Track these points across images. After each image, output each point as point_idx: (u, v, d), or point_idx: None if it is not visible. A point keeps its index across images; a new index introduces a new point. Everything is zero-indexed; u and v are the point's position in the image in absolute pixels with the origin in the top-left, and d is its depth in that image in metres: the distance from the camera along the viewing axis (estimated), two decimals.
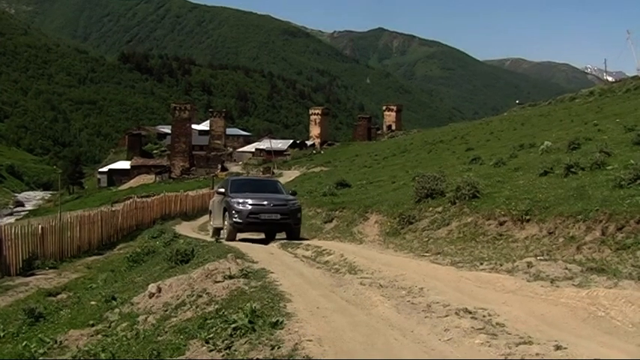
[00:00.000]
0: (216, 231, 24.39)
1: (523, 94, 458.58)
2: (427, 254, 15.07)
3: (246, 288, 9.79)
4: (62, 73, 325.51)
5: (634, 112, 39.87)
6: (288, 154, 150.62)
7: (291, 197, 23.34)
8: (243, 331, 7.37)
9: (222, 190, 23.79)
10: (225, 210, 22.52)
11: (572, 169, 18.64)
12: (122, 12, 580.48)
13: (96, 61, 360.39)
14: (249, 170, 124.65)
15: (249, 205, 21.64)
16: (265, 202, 21.88)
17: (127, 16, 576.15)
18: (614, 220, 12.46)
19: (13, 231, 24.07)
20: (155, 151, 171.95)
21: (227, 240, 21.21)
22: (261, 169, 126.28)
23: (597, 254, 11.76)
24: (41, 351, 10.56)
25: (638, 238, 11.51)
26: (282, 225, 22.26)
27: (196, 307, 9.52)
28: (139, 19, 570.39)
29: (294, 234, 22.28)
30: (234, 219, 21.60)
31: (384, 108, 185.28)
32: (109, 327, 10.70)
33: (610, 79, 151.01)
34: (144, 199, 44.29)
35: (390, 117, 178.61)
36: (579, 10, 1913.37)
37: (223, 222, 22.78)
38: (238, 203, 21.71)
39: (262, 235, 24.01)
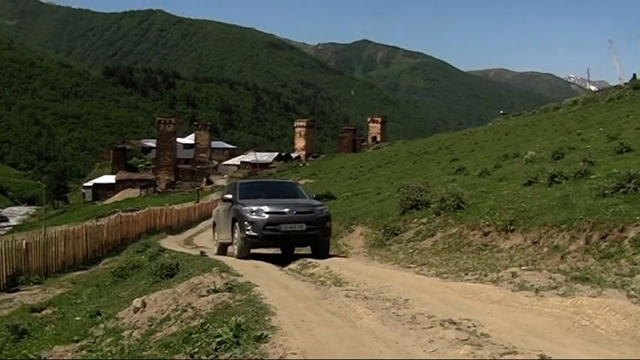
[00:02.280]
0: (223, 247, 20.98)
1: (507, 104, 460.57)
2: (412, 265, 15.07)
3: (231, 302, 9.75)
4: (46, 88, 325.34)
5: (617, 121, 40.13)
6: (274, 167, 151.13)
7: (316, 202, 19.19)
8: (227, 345, 7.33)
9: (230, 196, 19.64)
10: (234, 221, 18.43)
11: (556, 179, 18.72)
12: (106, 26, 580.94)
13: (80, 75, 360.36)
14: None
15: (266, 213, 17.55)
16: (286, 210, 17.65)
17: (111, 30, 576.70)
18: (597, 229, 12.54)
19: None
20: (140, 165, 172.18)
21: (238, 258, 17.57)
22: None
23: (581, 263, 11.82)
24: None
25: (622, 247, 11.59)
26: (307, 238, 18.02)
27: (181, 322, 9.48)
28: (122, 32, 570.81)
29: (322, 248, 18.28)
30: (247, 232, 17.53)
31: (369, 119, 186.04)
32: (94, 342, 10.62)
33: (593, 88, 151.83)
34: (129, 214, 44.23)
35: (374, 128, 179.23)
36: (562, 20, 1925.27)
37: (232, 236, 18.70)
38: (252, 212, 17.65)
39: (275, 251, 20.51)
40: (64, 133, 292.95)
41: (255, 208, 17.73)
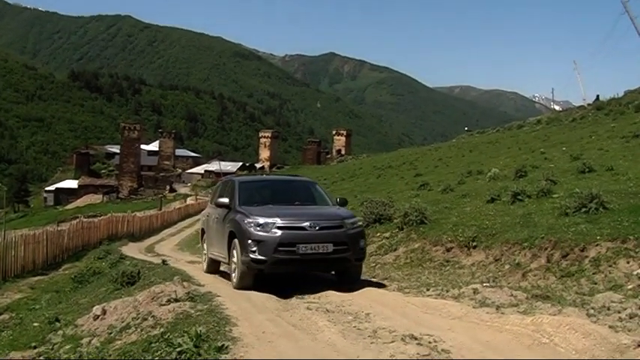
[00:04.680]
0: (215, 263, 16.52)
1: (472, 121, 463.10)
2: (374, 279, 15.06)
3: (192, 311, 9.71)
4: (10, 90, 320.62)
5: (580, 141, 40.46)
6: None
7: (345, 212, 14.33)
8: (188, 355, 7.29)
9: (225, 200, 14.72)
10: (232, 235, 13.65)
11: (519, 197, 18.83)
12: (73, 29, 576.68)
13: (45, 78, 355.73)
14: (198, 192, 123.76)
15: (278, 228, 12.74)
16: (306, 224, 12.80)
17: (78, 33, 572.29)
18: (559, 248, 12.63)
19: None
20: (103, 171, 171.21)
21: (238, 288, 13.07)
22: (210, 191, 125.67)
23: (542, 281, 11.90)
24: None
25: (582, 266, 11.69)
26: (334, 262, 13.26)
27: (141, 331, 9.42)
28: (89, 37, 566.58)
29: (352, 275, 13.81)
30: (251, 255, 12.67)
31: (334, 132, 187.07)
32: (52, 349, 10.53)
33: (557, 108, 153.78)
34: (91, 219, 43.79)
35: (339, 141, 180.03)
36: (528, 40, 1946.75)
37: (229, 256, 13.95)
38: (258, 226, 12.83)
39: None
40: (27, 136, 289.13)
41: (262, 220, 12.91)
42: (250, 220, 12.97)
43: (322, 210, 14.26)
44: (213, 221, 15.81)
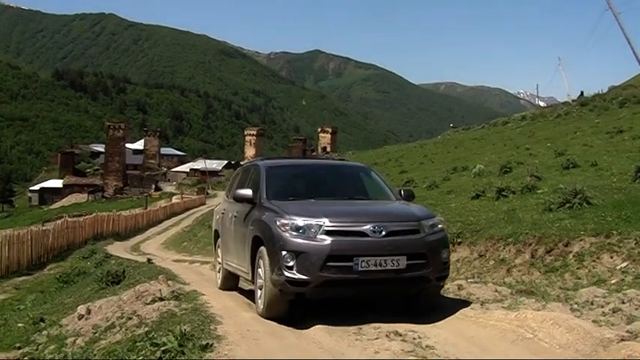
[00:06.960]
0: (232, 277, 12.14)
1: (457, 117, 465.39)
2: None
3: (177, 310, 9.67)
4: None
5: (564, 137, 40.59)
6: (223, 175, 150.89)
7: (418, 209, 9.80)
8: (172, 354, 7.25)
9: (249, 192, 10.23)
10: (257, 242, 9.41)
11: (504, 193, 18.91)
12: (57, 28, 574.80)
13: (29, 77, 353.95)
14: (183, 190, 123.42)
15: (327, 233, 8.55)
16: (368, 227, 8.57)
17: (62, 32, 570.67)
18: (543, 244, 12.66)
19: None
20: (88, 170, 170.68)
21: (266, 317, 9.13)
22: (196, 190, 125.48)
23: (527, 277, 11.92)
24: None
25: (566, 261, 11.72)
26: (408, 283, 8.82)
27: (126, 330, 9.39)
28: (74, 35, 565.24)
29: (430, 299, 9.51)
30: (287, 272, 8.50)
31: (320, 130, 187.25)
32: (37, 350, 10.50)
33: (542, 104, 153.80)
34: (76, 219, 43.67)
35: (325, 139, 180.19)
36: (512, 36, 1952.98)
37: (252, 270, 9.70)
38: (296, 229, 8.64)
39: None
40: (11, 136, 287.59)
41: (302, 221, 8.68)
42: (285, 222, 8.77)
43: (387, 207, 10.00)
44: (231, 221, 11.42)
